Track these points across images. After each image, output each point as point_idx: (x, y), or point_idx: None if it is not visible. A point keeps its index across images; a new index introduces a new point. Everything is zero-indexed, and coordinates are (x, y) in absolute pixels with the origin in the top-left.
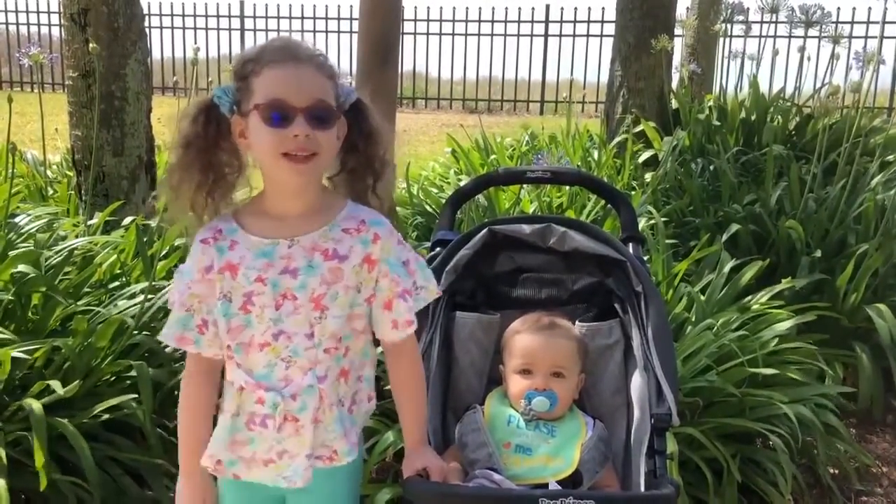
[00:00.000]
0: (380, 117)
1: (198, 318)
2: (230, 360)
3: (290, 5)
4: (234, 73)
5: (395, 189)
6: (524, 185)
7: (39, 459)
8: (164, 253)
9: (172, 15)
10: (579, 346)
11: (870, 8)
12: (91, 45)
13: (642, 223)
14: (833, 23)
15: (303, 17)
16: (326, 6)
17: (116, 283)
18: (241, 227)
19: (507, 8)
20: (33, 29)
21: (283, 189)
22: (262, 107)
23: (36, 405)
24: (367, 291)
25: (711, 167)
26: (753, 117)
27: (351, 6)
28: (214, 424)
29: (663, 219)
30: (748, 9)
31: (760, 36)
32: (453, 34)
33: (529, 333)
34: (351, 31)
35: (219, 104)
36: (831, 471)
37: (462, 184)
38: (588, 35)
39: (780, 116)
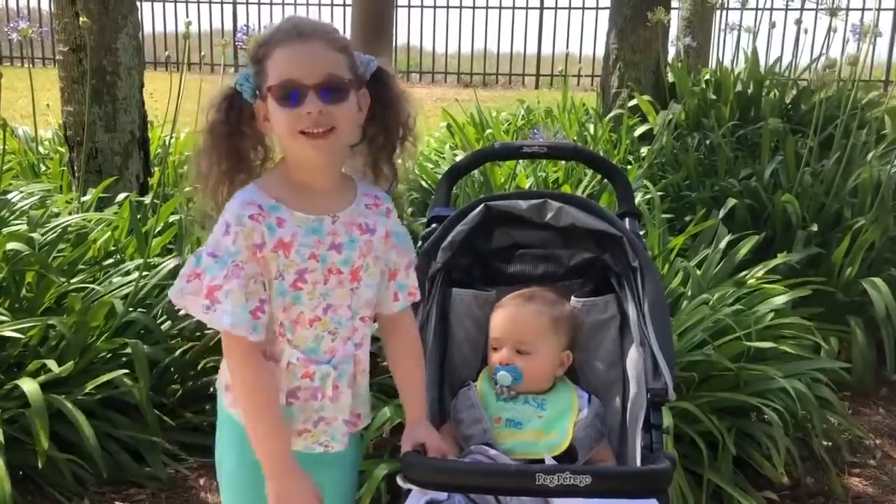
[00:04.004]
0: (402, 84)
1: (253, 302)
2: (281, 338)
3: None
4: (251, 58)
5: (415, 158)
6: (520, 160)
7: (42, 443)
8: (158, 230)
9: None
10: (555, 324)
11: None
12: (81, 18)
13: (638, 198)
14: None
15: None
16: None
17: (111, 261)
18: (283, 204)
19: None
20: (22, 2)
21: (307, 166)
22: (274, 88)
23: (33, 386)
24: (380, 264)
25: (707, 141)
26: (749, 90)
27: None
28: None
29: (659, 193)
30: None
31: (757, 8)
32: (448, 7)
33: (501, 309)
34: (344, 4)
35: (241, 91)
36: (825, 443)
37: (458, 159)
38: (584, 7)
39: (776, 90)
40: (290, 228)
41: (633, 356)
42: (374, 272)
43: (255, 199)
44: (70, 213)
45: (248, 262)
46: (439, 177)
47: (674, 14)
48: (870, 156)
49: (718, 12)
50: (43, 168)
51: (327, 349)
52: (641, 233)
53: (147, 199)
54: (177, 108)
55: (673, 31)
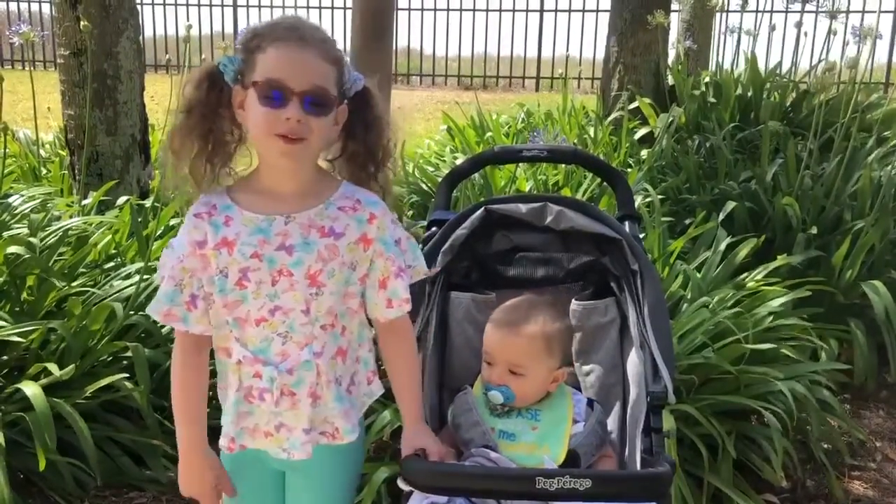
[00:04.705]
0: (385, 106)
1: (186, 294)
2: (229, 335)
3: None
4: (242, 45)
5: (395, 178)
6: (520, 164)
7: (48, 447)
8: (159, 233)
9: None
10: (548, 346)
11: None
12: (82, 22)
13: (638, 201)
14: None
15: None
16: None
17: (111, 264)
18: (236, 204)
19: None
20: (23, 6)
21: (273, 167)
22: (259, 85)
23: (36, 391)
24: (361, 270)
25: (707, 144)
26: (750, 93)
27: None
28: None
29: (659, 196)
30: None
31: (757, 11)
32: (448, 9)
33: (493, 325)
34: (345, 7)
35: (223, 72)
36: (825, 446)
37: (458, 163)
38: (584, 10)
39: (776, 93)
40: (236, 227)
41: (633, 359)
42: (341, 279)
43: (212, 200)
44: (71, 217)
45: (189, 257)
46: (439, 180)
47: (674, 17)
48: (870, 158)
49: (718, 15)
50: (44, 171)
51: (278, 352)
52: (641, 236)
53: (148, 203)
54: None
55: (673, 34)
